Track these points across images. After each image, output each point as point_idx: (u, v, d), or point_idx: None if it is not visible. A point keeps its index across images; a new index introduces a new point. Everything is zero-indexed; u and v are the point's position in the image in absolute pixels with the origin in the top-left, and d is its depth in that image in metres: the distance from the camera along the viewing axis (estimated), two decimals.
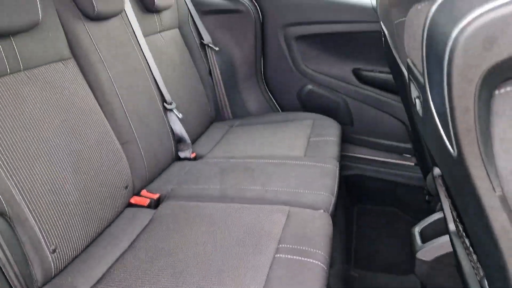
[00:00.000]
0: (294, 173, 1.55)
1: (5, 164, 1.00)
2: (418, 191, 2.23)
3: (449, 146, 0.61)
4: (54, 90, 1.21)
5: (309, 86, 2.31)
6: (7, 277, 0.92)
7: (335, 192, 1.46)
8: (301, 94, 2.34)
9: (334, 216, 1.37)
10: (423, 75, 0.71)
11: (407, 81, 1.07)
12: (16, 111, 1.08)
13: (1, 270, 0.92)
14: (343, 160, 2.22)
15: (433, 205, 1.67)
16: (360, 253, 1.86)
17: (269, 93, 2.39)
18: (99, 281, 1.07)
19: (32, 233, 1.01)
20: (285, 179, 1.51)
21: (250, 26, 2.27)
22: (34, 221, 1.02)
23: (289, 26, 2.23)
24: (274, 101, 2.39)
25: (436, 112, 0.64)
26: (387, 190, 2.27)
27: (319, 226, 1.23)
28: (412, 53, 0.82)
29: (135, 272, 1.09)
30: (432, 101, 0.66)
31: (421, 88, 0.80)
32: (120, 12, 1.55)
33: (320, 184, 1.46)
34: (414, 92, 0.97)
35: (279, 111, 2.38)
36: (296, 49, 2.27)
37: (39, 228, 1.03)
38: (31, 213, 1.01)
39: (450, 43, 0.51)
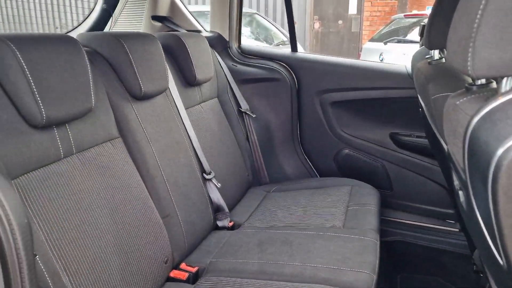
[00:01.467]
0: (333, 247, 1.52)
1: (55, 249, 1.05)
2: (464, 260, 2.13)
3: (498, 256, 0.60)
4: (102, 169, 1.28)
5: (346, 151, 2.32)
6: None
7: (377, 270, 1.41)
8: (338, 158, 2.34)
9: None
10: (464, 173, 0.71)
11: (448, 163, 1.06)
12: (67, 192, 1.14)
13: None
14: (383, 225, 2.17)
15: (482, 281, 1.59)
16: None
17: (306, 157, 2.41)
18: None
19: None
20: (325, 254, 1.48)
21: (286, 93, 2.34)
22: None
23: (324, 93, 2.28)
24: (311, 165, 2.40)
25: (483, 221, 0.63)
26: (430, 257, 2.18)
27: None
28: (453, 147, 0.82)
29: None
30: (477, 209, 0.65)
31: (464, 184, 0.79)
32: (165, 90, 1.65)
33: (361, 261, 1.43)
34: (456, 181, 0.95)
35: (316, 175, 2.39)
36: (332, 114, 2.30)
37: None
38: (67, 276, 1.04)
39: (494, 162, 0.51)
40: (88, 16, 2.15)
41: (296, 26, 2.53)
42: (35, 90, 1.06)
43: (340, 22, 10.77)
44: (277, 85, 2.34)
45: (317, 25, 10.60)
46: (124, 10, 2.27)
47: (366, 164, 2.29)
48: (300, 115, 2.39)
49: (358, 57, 8.72)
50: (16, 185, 1.02)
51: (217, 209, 1.82)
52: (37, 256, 0.97)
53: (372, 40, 7.97)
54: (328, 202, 1.92)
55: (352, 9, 10.69)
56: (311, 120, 2.36)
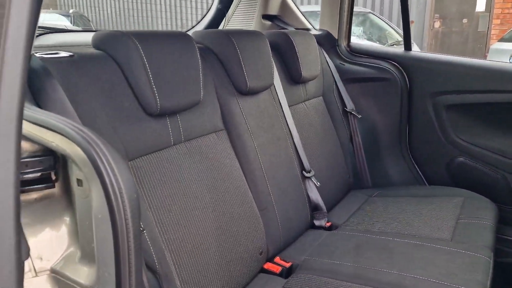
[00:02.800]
0: (438, 260, 1.41)
1: (161, 227, 1.14)
2: None
3: None
4: (207, 159, 1.36)
5: (461, 159, 2.12)
6: None
7: None
8: (451, 167, 2.16)
9: None
10: None
11: None
12: (174, 177, 1.23)
13: None
14: (499, 244, 1.94)
15: None
16: None
17: (414, 164, 2.26)
18: None
19: None
20: (427, 266, 1.38)
21: (395, 93, 2.22)
22: (178, 281, 1.12)
23: (439, 95, 2.12)
24: (420, 173, 2.24)
25: None
26: None
27: None
28: None
29: None
30: None
31: None
32: (270, 87, 1.68)
33: (469, 279, 1.29)
34: None
35: (424, 183, 2.23)
36: (446, 118, 2.13)
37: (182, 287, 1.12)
38: (176, 273, 1.12)
39: None
40: (204, 16, 2.30)
41: (413, 25, 2.38)
42: (152, 82, 1.17)
43: (464, 20, 9.90)
44: (387, 85, 2.23)
45: (437, 24, 9.87)
46: (237, 9, 2.37)
47: (484, 174, 2.06)
48: (409, 118, 2.25)
49: (484, 58, 7.93)
50: (132, 167, 1.14)
51: (315, 208, 1.81)
52: (144, 232, 1.06)
53: (502, 40, 7.18)
54: (436, 212, 1.78)
55: (480, 6, 9.74)
56: (422, 124, 2.21)
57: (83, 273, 0.80)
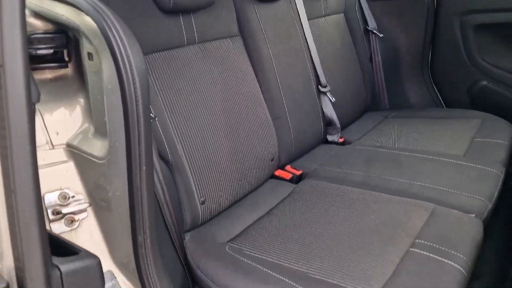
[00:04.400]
0: (447, 172, 1.42)
1: (173, 119, 1.16)
2: None
3: None
4: (220, 62, 1.35)
5: (484, 82, 2.06)
6: (164, 215, 1.07)
7: (494, 200, 1.28)
8: (473, 91, 2.10)
9: (489, 227, 1.22)
10: None
11: None
12: (187, 76, 1.23)
13: (160, 208, 1.09)
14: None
15: None
16: None
17: (434, 86, 2.21)
18: (235, 237, 1.17)
19: (187, 183, 1.16)
20: (436, 176, 1.39)
21: (421, 12, 2.12)
22: (190, 173, 1.16)
23: (468, 14, 2.01)
24: (439, 96, 2.19)
25: None
26: None
27: (466, 230, 1.11)
28: None
29: (267, 236, 1.15)
30: None
31: None
32: None
33: (477, 188, 1.31)
34: None
35: (442, 106, 2.19)
36: (473, 39, 2.03)
37: (193, 180, 1.17)
38: (188, 165, 1.16)
39: None
40: None
41: None
42: None
43: None
44: (413, 3, 2.13)
45: None
46: None
47: (506, 99, 2.01)
48: (434, 38, 2.16)
49: None
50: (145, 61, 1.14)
51: (328, 123, 1.81)
52: (156, 118, 1.09)
53: None
54: (451, 132, 1.76)
55: None
56: (447, 45, 2.12)
57: (96, 146, 0.84)
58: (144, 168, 0.75)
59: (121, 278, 0.87)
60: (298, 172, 1.53)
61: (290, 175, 1.51)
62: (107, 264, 0.87)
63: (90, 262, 0.61)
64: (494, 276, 1.45)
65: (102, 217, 0.86)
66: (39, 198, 0.53)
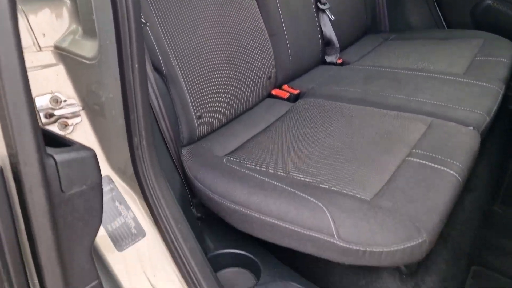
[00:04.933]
0: (447, 88, 1.39)
1: (165, 28, 1.11)
2: None
3: None
4: None
5: (488, 2, 1.98)
6: (160, 127, 1.06)
7: (493, 114, 1.28)
8: (476, 11, 2.02)
9: (485, 142, 1.22)
10: None
11: None
12: None
13: (156, 120, 1.07)
14: None
15: None
16: (511, 192, 1.64)
17: (437, 7, 2.13)
18: (232, 151, 1.17)
19: (183, 96, 1.14)
20: (435, 92, 1.37)
21: None
22: (185, 86, 1.13)
23: None
24: (440, 16, 2.12)
25: None
26: None
27: (463, 140, 1.11)
28: None
29: (265, 150, 1.15)
30: None
31: None
32: None
33: (475, 103, 1.29)
34: None
35: (444, 27, 2.12)
36: None
37: (189, 93, 1.14)
38: (183, 77, 1.13)
39: None
40: None
41: None
42: None
43: None
44: None
45: None
46: None
47: (510, 19, 1.94)
48: None
49: None
50: None
51: (327, 43, 1.76)
52: (147, 24, 1.04)
53: None
54: (452, 51, 1.71)
55: None
56: None
57: (85, 47, 0.80)
58: (136, 66, 0.72)
59: (119, 183, 0.87)
60: (296, 91, 1.51)
61: (288, 94, 1.49)
62: (104, 169, 0.87)
63: (85, 154, 0.60)
64: (486, 191, 1.48)
65: (96, 121, 0.85)
66: (26, 80, 0.50)
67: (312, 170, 1.02)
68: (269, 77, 1.45)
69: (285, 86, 1.54)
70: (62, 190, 0.58)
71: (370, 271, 1.05)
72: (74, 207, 0.60)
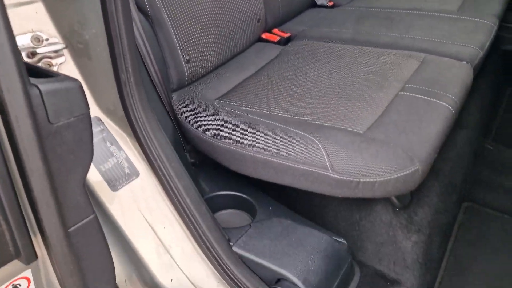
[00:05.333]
0: (440, 25, 1.37)
1: None
2: None
3: None
4: None
5: None
6: (148, 70, 1.04)
7: (486, 49, 1.26)
8: None
9: (478, 78, 1.21)
10: None
11: None
12: None
13: (144, 63, 1.05)
14: (507, 32, 1.88)
15: None
16: (502, 130, 1.66)
17: None
18: (224, 94, 1.16)
19: (170, 39, 1.10)
20: (428, 29, 1.34)
21: None
22: (171, 28, 1.10)
23: None
24: None
25: None
26: None
27: (456, 74, 1.10)
28: None
29: (257, 92, 1.13)
30: None
31: None
32: None
33: (469, 37, 1.27)
34: None
35: None
36: None
37: (176, 36, 1.11)
38: (169, 19, 1.09)
39: None
40: None
41: None
42: None
43: None
44: None
45: None
46: None
47: None
48: None
49: None
50: None
51: None
52: None
53: None
54: None
55: None
56: None
57: None
58: None
59: (109, 124, 0.86)
60: (286, 35, 1.47)
61: (278, 38, 1.45)
62: (93, 111, 0.85)
63: (70, 84, 0.58)
64: (478, 129, 1.49)
65: (81, 62, 0.82)
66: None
67: (305, 108, 1.02)
68: (259, 20, 1.41)
69: (275, 30, 1.50)
70: (49, 121, 0.57)
71: (363, 206, 1.06)
72: (63, 139, 0.59)
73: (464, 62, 1.16)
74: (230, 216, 1.10)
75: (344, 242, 0.98)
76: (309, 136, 0.88)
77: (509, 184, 1.35)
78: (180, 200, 0.83)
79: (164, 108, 1.09)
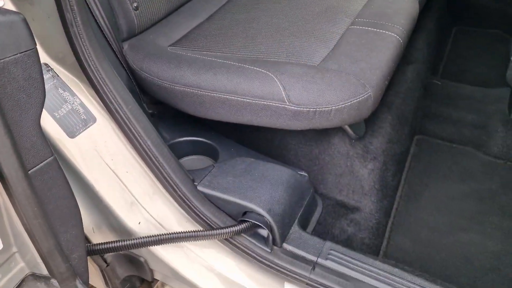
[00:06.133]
0: None
1: None
2: None
3: None
4: None
5: None
6: (96, 20, 1.00)
7: None
8: None
9: (424, 16, 1.25)
10: None
11: None
12: None
13: (91, 12, 1.00)
14: None
15: None
16: (449, 67, 1.74)
17: None
18: (177, 41, 1.14)
19: None
20: None
21: None
22: None
23: None
24: None
25: None
26: (495, 9, 1.98)
27: (402, 6, 1.14)
28: None
29: (210, 36, 1.12)
30: None
31: None
32: None
33: None
34: None
35: None
36: None
37: None
38: None
39: None
40: None
41: None
42: None
43: None
44: None
45: None
46: None
47: None
48: None
49: None
50: None
51: None
52: None
53: None
54: None
55: None
56: None
57: None
58: None
59: (60, 71, 0.83)
60: None
61: None
62: (41, 58, 0.82)
63: (14, 18, 0.56)
64: (426, 64, 1.56)
65: (23, 7, 0.78)
66: None
67: (260, 47, 1.02)
68: None
69: None
70: None
71: (321, 140, 1.10)
72: (12, 76, 0.57)
73: None
74: (193, 162, 1.12)
75: (306, 174, 1.02)
76: (266, 72, 0.89)
77: (457, 115, 1.43)
78: (142, 143, 0.83)
79: (116, 57, 1.07)
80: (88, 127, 0.83)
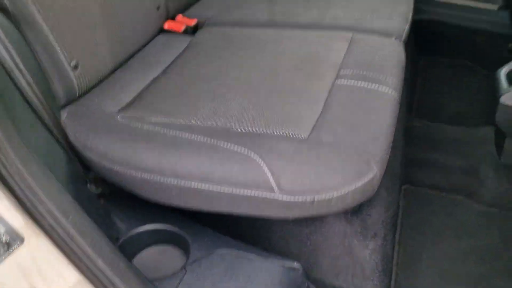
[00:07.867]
0: (358, 1, 1.26)
1: None
2: (499, 40, 1.89)
3: None
4: None
5: None
6: (20, 88, 0.78)
7: (410, 20, 1.18)
8: None
9: (406, 46, 1.13)
10: None
11: None
12: None
13: (12, 81, 0.78)
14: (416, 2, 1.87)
15: None
16: (424, 104, 1.64)
17: None
18: (128, 104, 0.93)
19: (45, 41, 0.84)
20: (347, 5, 1.23)
21: None
22: (46, 27, 0.84)
23: None
24: None
25: None
26: (462, 38, 1.93)
27: (389, 53, 1.00)
28: None
29: (169, 97, 0.93)
30: None
31: None
32: None
33: (392, 9, 1.18)
34: None
35: None
36: None
37: (53, 36, 0.85)
38: (41, 16, 0.82)
39: None
40: None
41: None
42: None
43: None
44: None
45: None
46: None
47: None
48: None
49: None
50: None
51: None
52: None
53: None
54: None
55: None
56: None
57: None
58: None
59: None
60: (193, 21, 1.26)
61: (183, 26, 1.24)
62: None
63: None
64: (404, 105, 1.44)
65: None
66: None
67: (232, 112, 0.84)
68: (158, 7, 1.18)
69: (179, 17, 1.28)
70: None
71: (312, 218, 0.93)
72: None
73: (393, 38, 1.07)
74: (158, 253, 0.90)
75: (298, 266, 0.83)
76: (245, 152, 0.71)
77: (443, 160, 1.32)
78: (88, 264, 0.62)
79: (50, 134, 0.84)
80: (13, 251, 0.60)
